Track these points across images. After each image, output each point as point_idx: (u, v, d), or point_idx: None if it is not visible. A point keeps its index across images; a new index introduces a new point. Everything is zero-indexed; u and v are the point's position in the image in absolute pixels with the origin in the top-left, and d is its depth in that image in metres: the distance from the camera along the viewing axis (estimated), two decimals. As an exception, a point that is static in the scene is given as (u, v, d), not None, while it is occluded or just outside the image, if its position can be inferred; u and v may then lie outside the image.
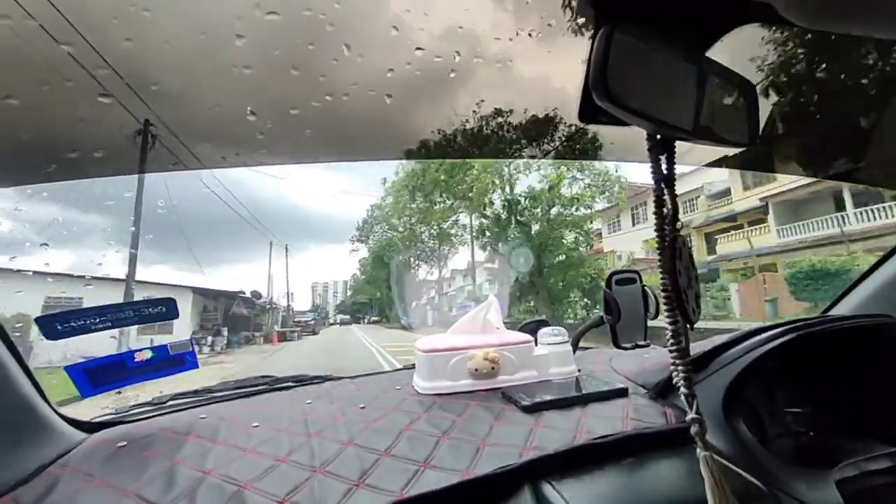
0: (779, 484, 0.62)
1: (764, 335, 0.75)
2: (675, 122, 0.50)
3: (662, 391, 0.78)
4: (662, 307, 0.48)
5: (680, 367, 0.47)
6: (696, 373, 0.77)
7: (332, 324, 51.14)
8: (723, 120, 0.57)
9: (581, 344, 1.09)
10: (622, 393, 0.79)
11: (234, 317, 19.19)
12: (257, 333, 20.43)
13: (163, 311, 0.68)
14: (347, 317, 55.25)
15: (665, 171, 0.52)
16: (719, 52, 0.60)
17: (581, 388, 0.84)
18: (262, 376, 1.07)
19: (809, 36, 1.16)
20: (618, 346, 0.83)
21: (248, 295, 22.00)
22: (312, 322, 30.31)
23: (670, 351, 0.48)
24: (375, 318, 43.86)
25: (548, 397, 0.77)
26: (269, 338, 19.67)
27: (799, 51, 1.22)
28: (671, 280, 0.46)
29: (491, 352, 0.87)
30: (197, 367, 0.82)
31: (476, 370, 0.86)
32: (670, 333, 0.48)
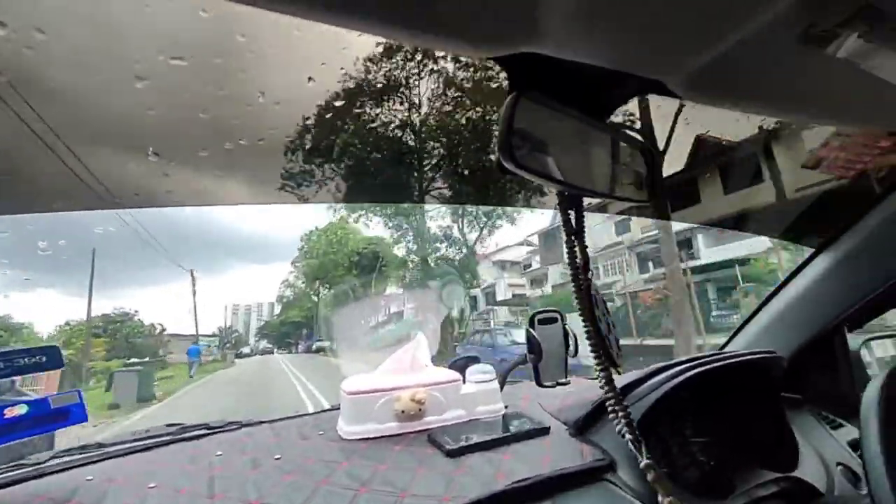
0: None
1: (669, 372, 0.81)
2: (578, 183, 0.54)
3: (581, 428, 0.81)
4: (590, 355, 0.50)
5: (620, 416, 0.49)
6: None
7: (244, 354, 35.32)
8: (624, 178, 0.63)
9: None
10: (544, 431, 0.81)
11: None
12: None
13: (42, 360, 0.60)
14: (269, 345, 42.41)
15: (574, 225, 0.56)
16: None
17: (507, 427, 0.85)
18: (169, 424, 0.97)
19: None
20: (539, 384, 0.86)
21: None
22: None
23: (606, 400, 0.50)
24: (320, 345, 27.28)
25: (473, 439, 0.77)
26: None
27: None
28: (593, 328, 0.49)
29: (419, 392, 0.86)
30: (85, 419, 0.72)
31: (403, 412, 0.84)
32: (603, 381, 0.50)
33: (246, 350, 38.20)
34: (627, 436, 0.48)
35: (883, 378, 0.51)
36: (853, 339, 1.03)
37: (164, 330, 24.63)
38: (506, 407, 0.95)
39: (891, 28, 0.49)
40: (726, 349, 1.11)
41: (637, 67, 0.53)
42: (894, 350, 1.12)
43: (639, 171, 0.65)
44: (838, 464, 0.83)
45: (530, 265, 22.36)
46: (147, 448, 0.84)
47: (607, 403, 0.49)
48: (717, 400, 0.86)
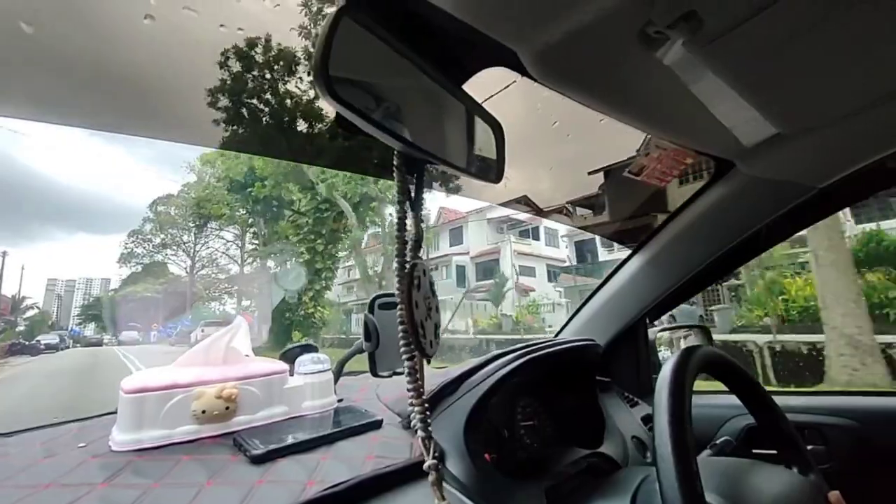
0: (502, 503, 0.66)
1: (505, 358, 0.82)
2: (423, 145, 0.48)
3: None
4: (399, 341, 0.44)
5: (416, 409, 0.43)
6: (447, 396, 0.78)
7: (43, 348, 19.26)
8: (476, 154, 0.60)
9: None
10: (376, 425, 0.74)
11: None
12: None
13: None
14: (98, 333, 27.25)
15: (412, 194, 0.49)
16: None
17: (338, 423, 0.75)
18: None
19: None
20: (375, 374, 0.79)
21: None
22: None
23: (408, 390, 0.43)
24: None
25: (289, 440, 0.66)
26: None
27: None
28: (407, 312, 0.42)
29: (228, 387, 0.70)
30: None
31: (204, 412, 0.68)
32: (407, 370, 0.43)
33: (49, 339, 20.86)
34: (420, 433, 0.43)
35: (674, 359, 0.56)
36: (652, 330, 1.22)
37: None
38: (339, 401, 0.86)
39: (707, 39, 0.53)
40: (559, 337, 1.21)
41: (492, 27, 0.49)
42: (685, 340, 1.35)
43: (491, 149, 0.62)
44: (633, 437, 0.95)
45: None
46: None
47: (409, 395, 0.43)
48: (544, 384, 0.91)
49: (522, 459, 0.84)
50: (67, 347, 22.32)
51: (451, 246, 21.54)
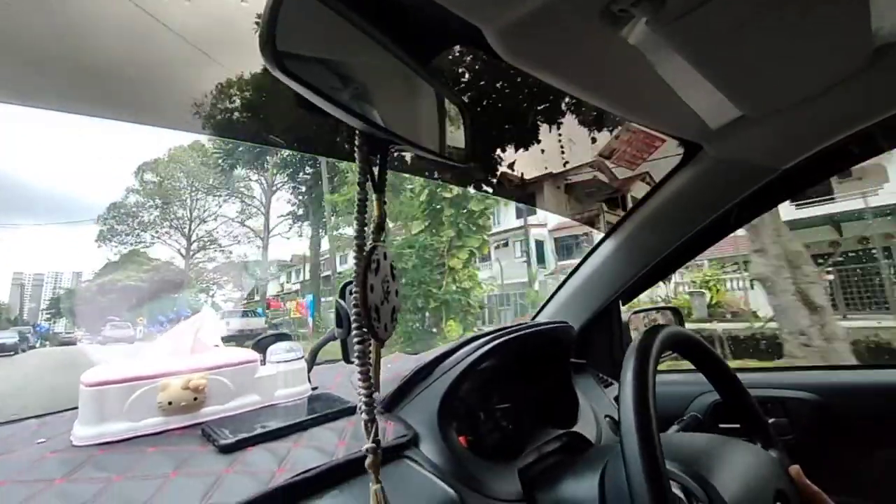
0: (474, 485, 0.67)
1: (479, 341, 0.82)
2: (388, 125, 0.46)
3: (388, 405, 0.76)
4: (352, 323, 0.43)
5: (361, 391, 0.42)
6: (421, 380, 0.79)
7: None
8: (440, 134, 0.59)
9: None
10: (350, 412, 0.74)
11: None
12: None
13: None
14: (70, 331, 22.91)
15: (377, 176, 0.48)
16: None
17: (312, 411, 0.75)
18: None
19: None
20: (347, 360, 0.78)
21: None
22: None
23: (358, 373, 0.43)
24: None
25: (259, 428, 0.65)
26: None
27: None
28: (361, 295, 0.42)
29: (195, 377, 0.69)
30: None
31: (170, 403, 0.67)
32: (356, 353, 0.43)
33: (5, 338, 15.40)
34: (364, 416, 0.43)
35: (638, 338, 0.57)
36: (625, 312, 1.25)
37: None
38: (314, 389, 0.85)
39: (669, 18, 0.54)
40: (536, 320, 1.22)
41: (455, 2, 0.48)
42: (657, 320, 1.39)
43: (458, 130, 0.61)
44: (606, 416, 0.98)
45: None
46: None
47: (357, 380, 0.43)
48: (519, 367, 0.92)
49: (497, 441, 0.85)
50: (32, 347, 17.33)
51: (517, 218, 16.87)
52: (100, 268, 24.07)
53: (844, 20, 0.57)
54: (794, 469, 0.62)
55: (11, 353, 14.20)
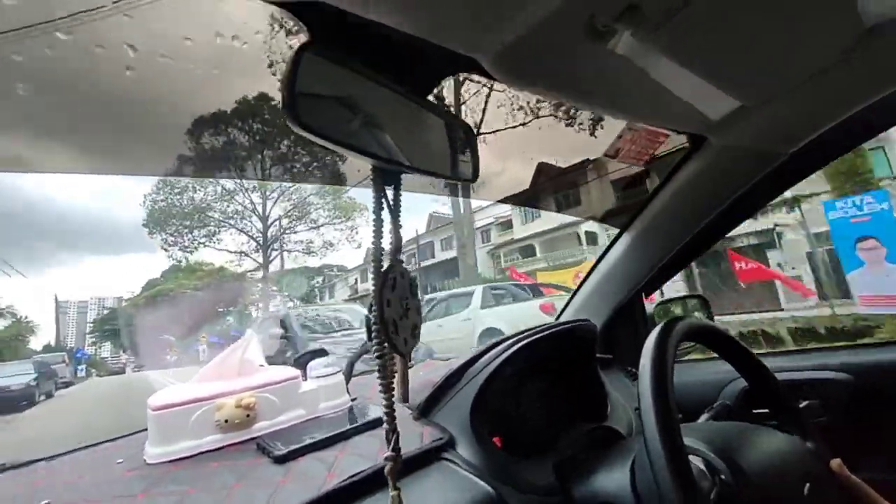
0: (511, 481, 0.70)
1: (503, 345, 0.86)
2: (396, 157, 0.52)
3: (424, 410, 0.81)
4: (372, 338, 0.48)
5: (383, 401, 0.47)
6: (452, 386, 0.83)
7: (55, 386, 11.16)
8: (446, 157, 0.63)
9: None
10: None
11: None
12: None
13: None
14: (116, 355, 20.33)
15: (391, 203, 0.53)
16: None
17: (352, 420, 0.80)
18: None
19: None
20: None
21: None
22: None
23: (379, 385, 0.48)
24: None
25: (308, 440, 0.71)
26: None
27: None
28: (378, 310, 0.47)
29: (245, 397, 0.76)
30: None
31: (227, 421, 0.74)
32: (377, 367, 0.48)
33: (15, 376, 10.00)
34: (385, 426, 0.47)
35: (656, 331, 0.60)
36: (649, 305, 1.25)
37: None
38: (353, 399, 0.91)
39: (651, 28, 0.57)
40: (560, 319, 1.24)
41: (447, 40, 0.52)
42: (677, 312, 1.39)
43: (463, 150, 0.66)
44: (635, 408, 0.99)
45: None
46: None
47: (379, 392, 0.47)
48: (546, 366, 0.95)
49: (530, 439, 0.88)
50: (68, 385, 12.78)
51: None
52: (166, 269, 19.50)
53: (829, 1, 0.58)
54: (836, 462, 0.61)
55: (29, 401, 9.04)
